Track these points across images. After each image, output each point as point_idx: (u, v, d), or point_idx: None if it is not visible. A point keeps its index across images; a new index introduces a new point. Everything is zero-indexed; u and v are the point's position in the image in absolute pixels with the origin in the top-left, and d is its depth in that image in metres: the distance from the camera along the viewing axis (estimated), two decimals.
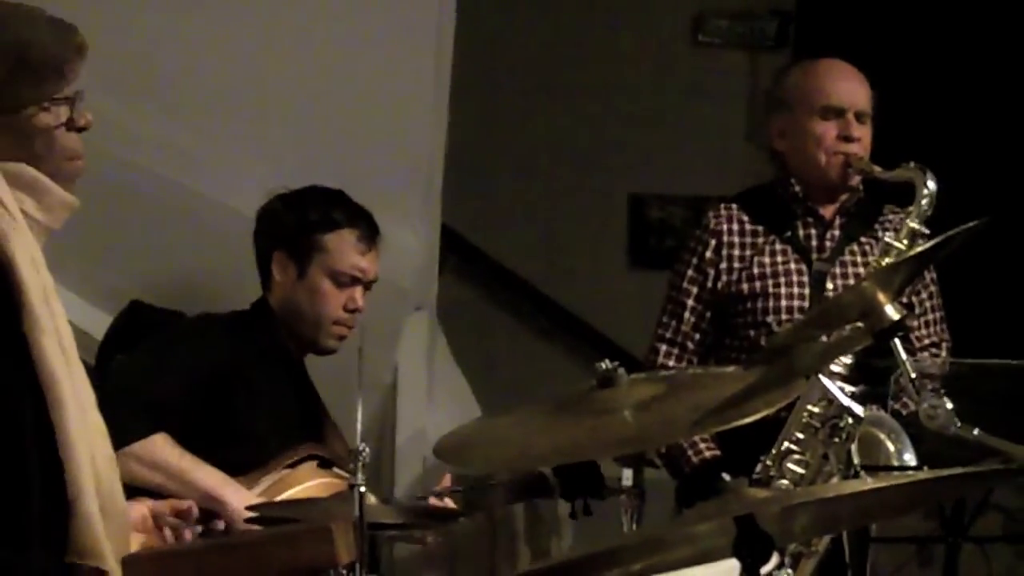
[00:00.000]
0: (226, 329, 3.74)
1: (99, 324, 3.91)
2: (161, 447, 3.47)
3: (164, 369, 3.60)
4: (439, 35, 4.41)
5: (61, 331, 2.50)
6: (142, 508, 2.94)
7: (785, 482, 3.47)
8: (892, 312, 2.65)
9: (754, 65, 6.14)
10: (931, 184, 3.71)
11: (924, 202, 3.71)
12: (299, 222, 3.76)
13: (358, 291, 3.77)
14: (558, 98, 6.03)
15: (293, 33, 4.22)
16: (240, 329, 3.74)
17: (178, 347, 3.67)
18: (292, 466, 3.64)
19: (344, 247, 3.76)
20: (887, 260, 3.66)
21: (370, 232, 3.80)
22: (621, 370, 2.62)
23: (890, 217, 3.93)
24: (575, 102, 6.03)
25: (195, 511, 3.06)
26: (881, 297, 2.64)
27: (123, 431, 3.01)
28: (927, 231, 3.68)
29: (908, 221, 3.71)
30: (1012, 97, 5.45)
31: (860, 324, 2.69)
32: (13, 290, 2.45)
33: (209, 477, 3.50)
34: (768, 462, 3.53)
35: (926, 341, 3.95)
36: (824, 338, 2.77)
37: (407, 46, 4.34)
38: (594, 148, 6.05)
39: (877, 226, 3.92)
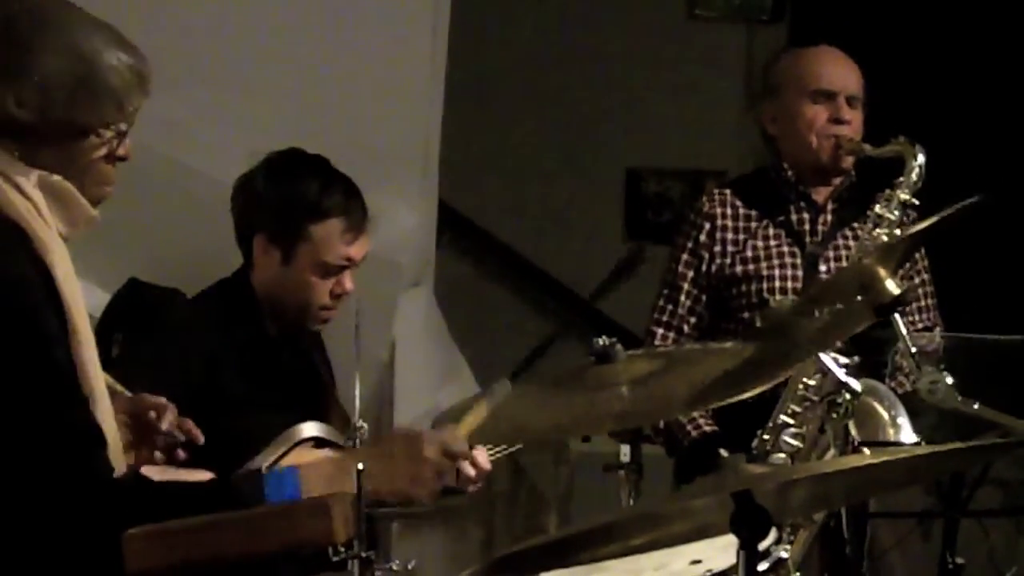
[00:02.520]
0: (199, 328, 3.57)
1: (95, 301, 3.90)
2: None
3: (141, 374, 3.31)
4: (435, 9, 4.40)
5: (87, 340, 2.49)
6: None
7: (782, 455, 3.47)
8: (892, 287, 2.65)
9: (751, 38, 6.13)
10: (920, 157, 3.72)
11: (914, 174, 3.72)
12: (284, 206, 3.56)
13: (346, 275, 3.61)
14: (555, 73, 6.01)
15: (289, 7, 4.21)
16: (213, 327, 3.58)
17: (147, 367, 3.44)
18: (286, 455, 3.59)
19: (332, 238, 3.56)
20: (878, 231, 3.68)
21: (359, 218, 3.60)
22: (619, 346, 2.61)
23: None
24: (572, 77, 6.02)
25: (171, 408, 2.99)
26: (881, 272, 2.64)
27: None
28: (916, 202, 3.69)
29: (899, 192, 3.72)
30: (1009, 76, 5.44)
31: (860, 299, 2.69)
32: (61, 304, 2.45)
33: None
34: (765, 435, 3.54)
35: (919, 326, 3.96)
36: (822, 314, 2.76)
37: (403, 21, 4.32)
38: (591, 122, 6.04)
39: (870, 211, 3.92)
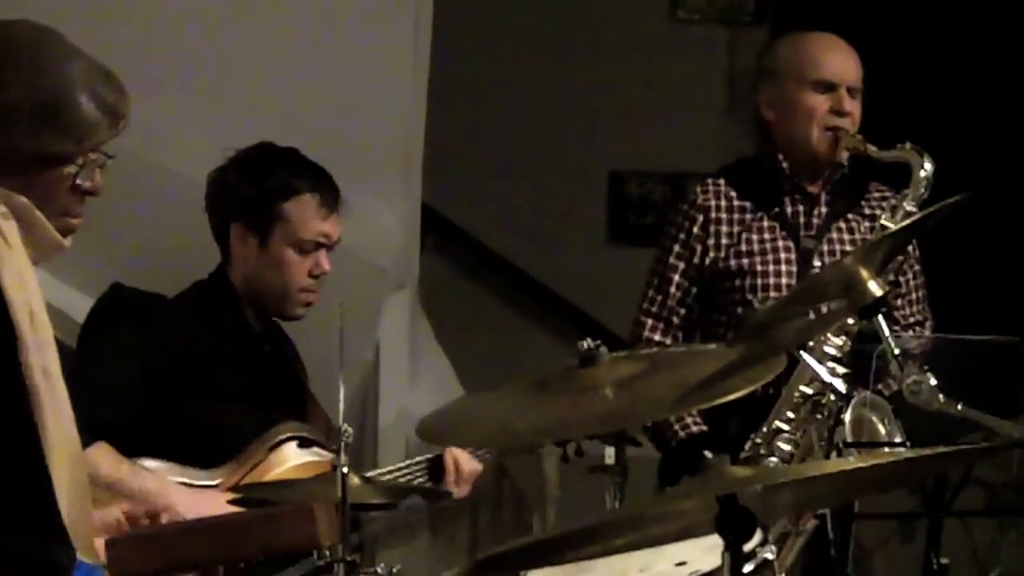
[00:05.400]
0: (178, 320, 3.62)
1: (77, 304, 3.89)
2: (95, 461, 3.30)
3: (109, 379, 3.46)
4: (417, 11, 4.39)
5: (42, 344, 2.49)
6: (116, 512, 2.92)
7: (774, 460, 3.47)
8: (875, 288, 2.65)
9: (733, 41, 6.13)
10: (928, 166, 3.70)
11: (921, 185, 3.70)
12: (257, 192, 3.63)
13: (322, 255, 3.66)
14: (537, 75, 6.01)
15: (269, 9, 4.19)
16: (195, 317, 3.63)
17: (123, 351, 3.52)
18: (272, 449, 3.60)
19: (306, 214, 3.64)
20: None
21: (331, 195, 3.68)
22: (603, 349, 2.61)
23: (876, 194, 3.93)
24: (554, 79, 6.02)
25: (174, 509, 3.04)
26: (864, 273, 2.64)
27: None
28: (917, 211, 3.66)
29: (904, 204, 3.70)
30: (992, 72, 5.45)
31: (842, 300, 2.69)
32: (2, 308, 2.44)
33: (148, 482, 3.38)
34: (758, 440, 3.54)
35: (910, 320, 3.96)
36: (808, 315, 2.77)
37: (385, 22, 4.31)
38: (573, 125, 6.04)
39: (863, 203, 3.92)
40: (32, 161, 2.49)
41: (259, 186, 3.65)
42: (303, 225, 3.65)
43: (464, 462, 3.77)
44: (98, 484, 3.23)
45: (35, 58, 2.48)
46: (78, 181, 2.52)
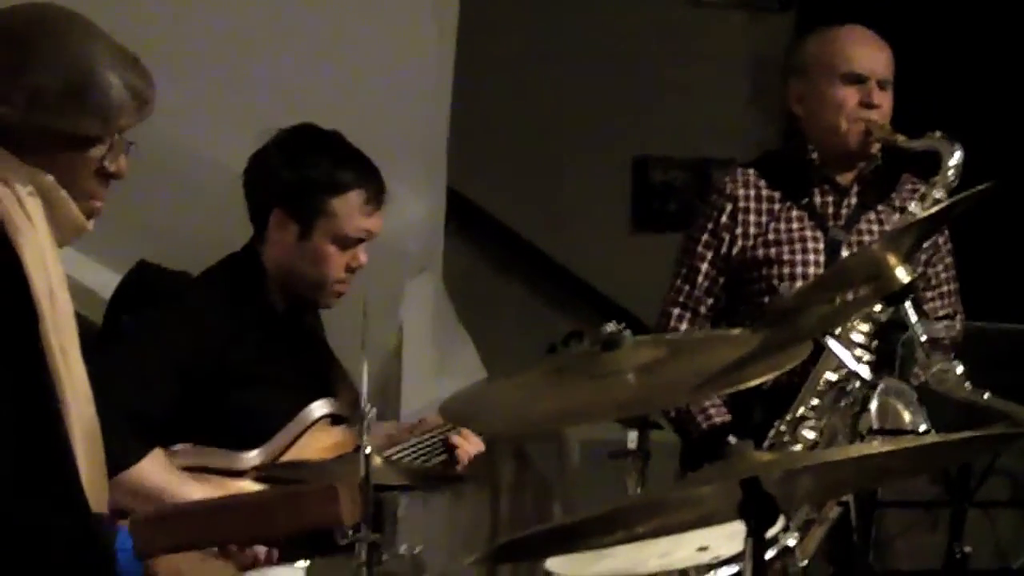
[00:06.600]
0: (205, 303, 3.58)
1: (104, 282, 3.90)
2: (148, 473, 3.30)
3: (148, 374, 3.43)
4: None
5: (61, 324, 2.49)
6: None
7: (798, 447, 3.46)
8: (902, 275, 2.63)
9: (757, 27, 6.12)
10: (957, 154, 3.68)
11: (950, 173, 3.69)
12: (302, 181, 3.57)
13: (361, 249, 3.63)
14: (561, 61, 6.00)
15: None
16: (224, 293, 3.60)
17: (158, 345, 3.49)
18: (306, 431, 3.59)
19: (352, 211, 3.58)
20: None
21: (378, 191, 3.62)
22: (627, 332, 2.61)
23: (908, 186, 3.91)
24: (578, 65, 6.01)
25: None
26: (891, 260, 2.63)
27: (112, 457, 2.70)
28: (946, 199, 3.65)
29: (933, 192, 3.69)
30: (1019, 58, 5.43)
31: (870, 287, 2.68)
32: (27, 289, 2.44)
33: (195, 492, 3.34)
34: (782, 428, 3.53)
35: (940, 313, 3.92)
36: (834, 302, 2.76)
37: (409, 8, 4.32)
38: (597, 111, 6.03)
39: (894, 195, 3.90)
40: (59, 142, 2.50)
41: (304, 175, 3.59)
42: (348, 221, 3.59)
43: (473, 441, 3.75)
44: (147, 497, 3.23)
45: (63, 40, 2.49)
46: (104, 164, 2.52)
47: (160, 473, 3.35)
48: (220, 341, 3.54)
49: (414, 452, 3.70)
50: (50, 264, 2.49)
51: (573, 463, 4.92)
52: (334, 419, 3.61)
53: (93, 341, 2.59)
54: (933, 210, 2.82)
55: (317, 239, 3.59)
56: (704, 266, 3.90)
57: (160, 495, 3.29)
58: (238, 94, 4.14)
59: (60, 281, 2.51)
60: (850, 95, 3.83)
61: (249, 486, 3.39)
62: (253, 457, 3.50)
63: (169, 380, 3.45)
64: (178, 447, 3.45)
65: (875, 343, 3.55)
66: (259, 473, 3.30)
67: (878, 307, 3.42)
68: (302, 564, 3.14)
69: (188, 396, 3.47)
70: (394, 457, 3.54)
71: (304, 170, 3.59)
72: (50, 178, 2.49)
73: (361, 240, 3.62)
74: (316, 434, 3.58)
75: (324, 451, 3.54)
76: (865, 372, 2.95)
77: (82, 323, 2.59)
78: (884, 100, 3.85)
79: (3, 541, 2.33)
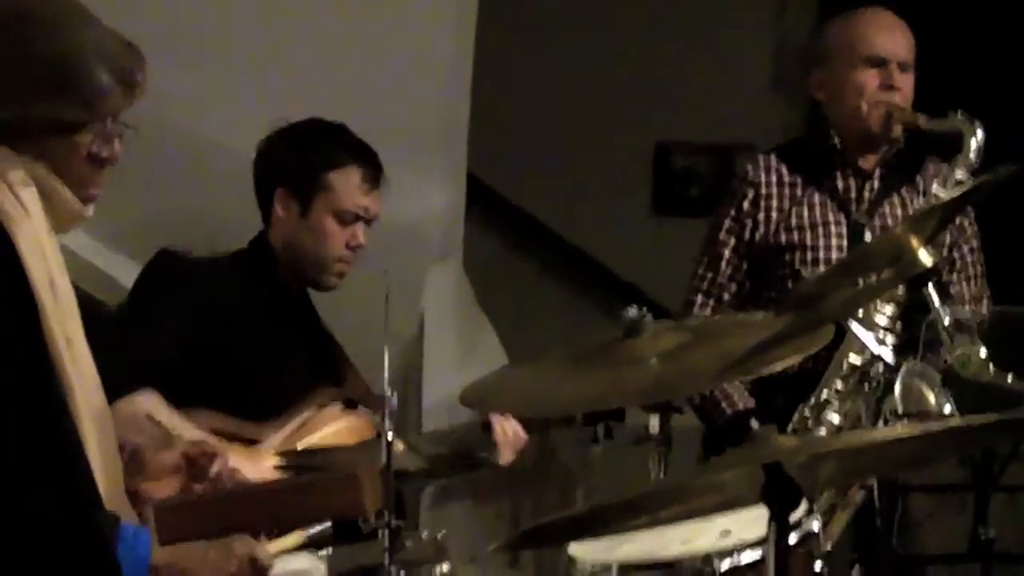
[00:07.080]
0: (219, 274, 3.68)
1: (122, 268, 3.91)
2: (141, 400, 3.33)
3: (153, 325, 3.51)
4: None
5: (64, 313, 2.49)
6: (175, 454, 2.96)
7: (823, 432, 3.45)
8: (925, 258, 2.62)
9: (781, 10, 6.09)
10: (979, 134, 3.67)
11: (972, 154, 3.68)
12: (303, 160, 3.73)
13: (359, 228, 3.75)
14: (583, 46, 5.99)
15: None
16: (236, 272, 3.71)
17: (166, 300, 3.57)
18: (317, 410, 3.62)
19: (349, 186, 3.73)
20: None
21: (375, 172, 3.76)
22: (649, 316, 2.60)
23: (931, 170, 3.89)
24: (600, 50, 6.00)
25: (222, 457, 3.06)
26: (914, 242, 2.62)
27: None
28: (969, 180, 3.64)
29: (955, 172, 3.68)
30: None
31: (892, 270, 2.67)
32: (23, 278, 2.43)
33: (200, 429, 3.38)
34: (806, 412, 3.53)
35: (967, 296, 3.91)
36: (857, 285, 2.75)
37: None
38: (619, 96, 6.01)
39: (919, 178, 3.89)
40: (46, 129, 2.48)
41: (305, 156, 3.74)
42: (345, 195, 3.73)
43: (515, 428, 3.78)
44: (157, 424, 3.27)
45: (48, 26, 2.47)
46: (93, 150, 2.51)
47: (166, 409, 3.38)
48: (228, 321, 3.61)
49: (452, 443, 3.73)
50: (49, 253, 2.48)
51: (595, 449, 4.91)
52: (348, 403, 3.66)
53: (108, 328, 2.57)
54: (956, 192, 2.80)
55: (317, 214, 3.73)
56: (727, 253, 3.89)
57: (172, 428, 3.32)
58: (258, 84, 4.15)
59: (60, 269, 2.50)
60: (871, 78, 3.82)
61: (253, 454, 3.42)
62: (266, 429, 3.53)
63: (170, 349, 3.49)
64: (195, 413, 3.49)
65: (899, 325, 3.54)
66: (282, 460, 3.30)
67: (901, 290, 3.42)
68: (324, 552, 3.14)
69: (192, 366, 3.50)
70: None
71: (304, 151, 3.75)
72: (42, 166, 2.48)
73: (359, 217, 3.74)
74: (331, 414, 3.62)
75: (339, 432, 3.57)
76: (888, 355, 2.94)
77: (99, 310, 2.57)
78: (905, 83, 3.83)
79: (5, 532, 2.32)
